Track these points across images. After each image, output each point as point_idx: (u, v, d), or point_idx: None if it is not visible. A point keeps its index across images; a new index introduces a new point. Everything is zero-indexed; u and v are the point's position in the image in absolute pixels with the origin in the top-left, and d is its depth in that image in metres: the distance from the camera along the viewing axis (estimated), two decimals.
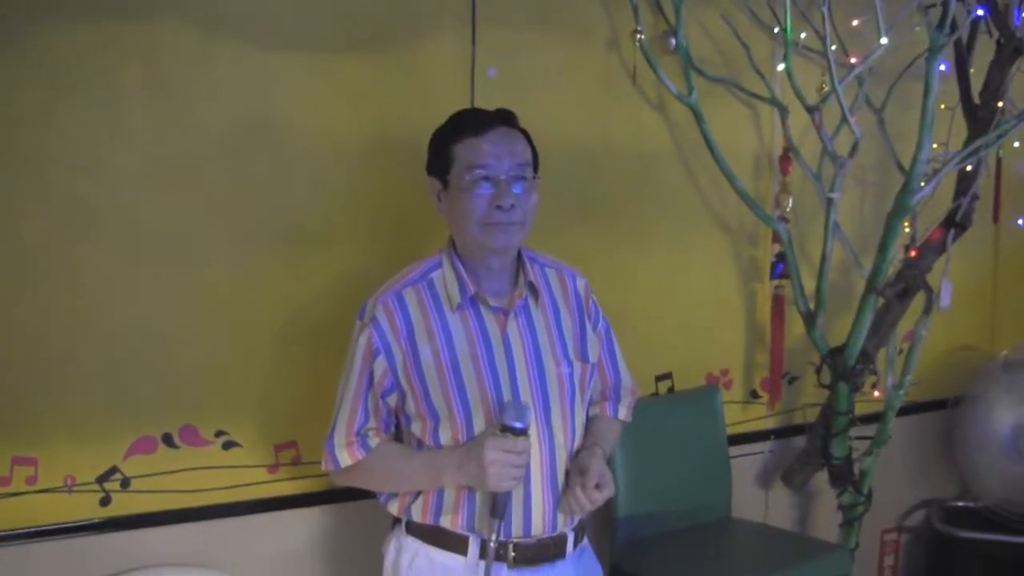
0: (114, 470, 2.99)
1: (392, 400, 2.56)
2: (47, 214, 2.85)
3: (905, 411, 4.55)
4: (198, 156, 3.02)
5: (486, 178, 2.47)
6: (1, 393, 2.84)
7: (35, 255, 2.84)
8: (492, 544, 2.42)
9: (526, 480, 2.48)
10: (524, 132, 2.60)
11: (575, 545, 2.63)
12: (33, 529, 2.89)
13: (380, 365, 2.51)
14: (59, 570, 2.92)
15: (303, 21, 3.13)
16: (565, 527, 2.58)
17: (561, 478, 2.55)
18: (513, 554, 2.51)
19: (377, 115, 3.25)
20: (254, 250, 3.11)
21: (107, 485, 2.99)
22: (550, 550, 2.56)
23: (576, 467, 2.54)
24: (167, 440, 3.05)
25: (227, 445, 3.13)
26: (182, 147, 2.99)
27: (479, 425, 2.48)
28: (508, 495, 2.42)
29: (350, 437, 2.54)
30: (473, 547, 2.51)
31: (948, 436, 4.75)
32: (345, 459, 2.54)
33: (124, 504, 3.01)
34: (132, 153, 2.94)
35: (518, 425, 2.39)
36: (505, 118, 2.57)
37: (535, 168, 2.58)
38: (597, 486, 2.49)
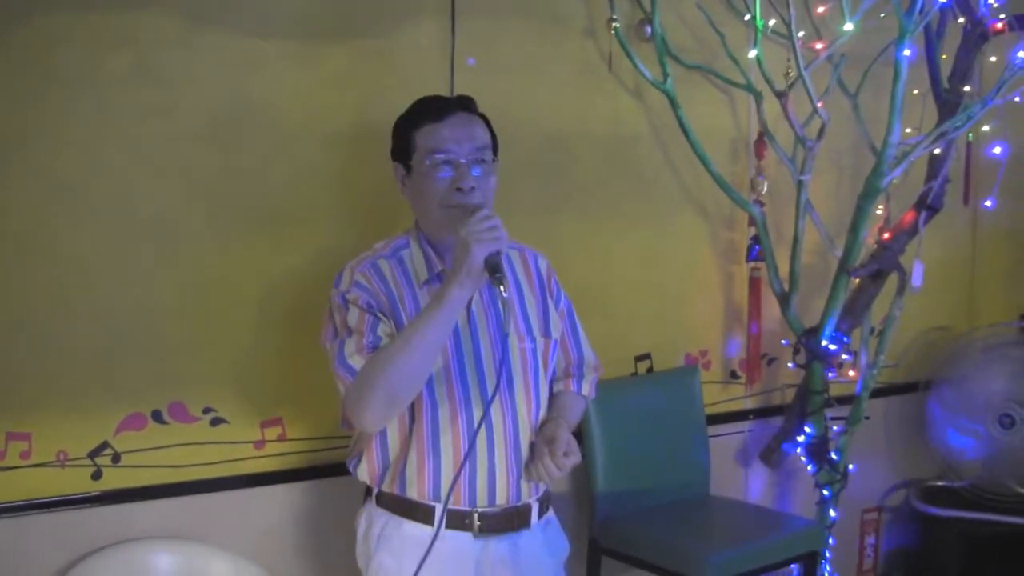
0: (105, 445, 3.08)
1: None
2: (37, 199, 2.93)
3: (886, 392, 4.67)
4: (182, 140, 3.10)
5: (446, 162, 2.54)
6: None
7: (25, 239, 2.93)
8: (504, 293, 2.37)
9: (490, 450, 2.56)
10: (483, 117, 2.67)
11: (540, 515, 2.70)
12: (27, 502, 2.97)
13: (372, 312, 2.52)
14: (52, 542, 3.01)
15: (284, 9, 3.22)
16: (529, 497, 2.66)
17: (524, 448, 2.62)
18: (478, 523, 2.59)
19: (357, 102, 3.33)
20: (237, 231, 3.20)
21: (99, 460, 3.07)
22: (514, 519, 2.63)
23: (543, 437, 2.61)
24: (156, 416, 3.14)
25: (215, 422, 3.22)
26: (167, 132, 3.08)
27: (442, 398, 2.54)
28: (497, 256, 2.37)
29: (360, 344, 2.48)
30: (438, 516, 2.54)
31: (926, 417, 4.83)
32: (358, 361, 2.45)
33: (115, 478, 3.09)
34: (119, 138, 3.02)
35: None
36: (464, 104, 2.64)
37: (494, 152, 2.65)
38: (565, 454, 2.54)
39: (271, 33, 3.19)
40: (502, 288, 2.34)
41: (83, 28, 2.95)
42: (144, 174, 3.07)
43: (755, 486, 4.41)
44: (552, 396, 2.80)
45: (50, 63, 2.92)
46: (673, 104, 3.76)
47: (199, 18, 3.09)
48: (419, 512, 2.60)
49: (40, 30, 2.89)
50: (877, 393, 4.54)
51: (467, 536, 2.59)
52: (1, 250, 2.91)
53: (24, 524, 2.97)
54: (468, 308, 2.60)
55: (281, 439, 3.32)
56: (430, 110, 2.61)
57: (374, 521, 2.67)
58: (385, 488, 2.63)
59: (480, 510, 2.59)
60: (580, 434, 3.70)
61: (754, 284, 4.19)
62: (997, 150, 4.09)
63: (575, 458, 2.57)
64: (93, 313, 3.03)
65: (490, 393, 2.54)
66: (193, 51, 3.10)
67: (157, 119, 3.07)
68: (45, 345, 2.98)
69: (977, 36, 3.86)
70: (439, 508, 2.56)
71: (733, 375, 4.33)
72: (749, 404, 4.38)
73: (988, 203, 4.34)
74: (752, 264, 4.16)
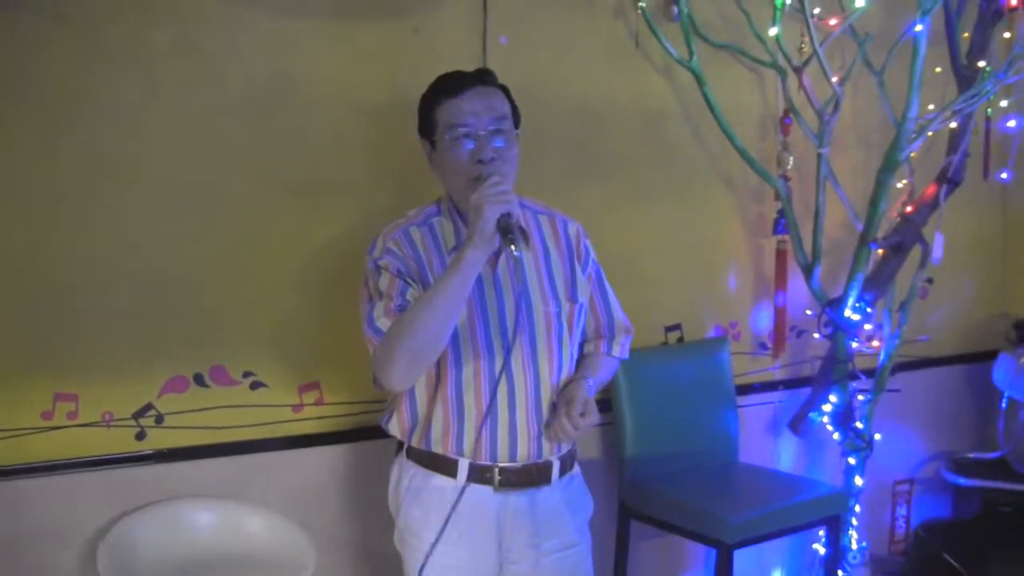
0: (149, 407, 3.20)
1: None
2: (85, 166, 3.05)
3: (921, 365, 4.71)
4: (223, 112, 3.22)
5: (467, 136, 2.63)
6: (44, 333, 3.05)
7: (74, 204, 3.05)
8: (515, 252, 2.45)
9: (511, 408, 2.66)
10: (503, 88, 2.74)
11: (562, 473, 2.80)
12: (74, 460, 3.10)
13: (402, 277, 2.64)
14: (98, 499, 3.14)
15: None
16: (551, 455, 2.75)
17: (546, 408, 2.71)
18: (499, 478, 2.70)
19: (391, 78, 3.42)
20: (275, 200, 3.30)
21: (143, 421, 3.19)
22: (535, 475, 2.73)
23: (563, 397, 2.70)
24: (198, 380, 3.26)
25: (254, 385, 3.33)
26: (208, 104, 3.19)
27: (466, 357, 2.65)
28: (508, 218, 2.45)
29: (389, 306, 2.58)
30: (462, 470, 2.69)
31: (963, 390, 4.91)
32: (385, 323, 2.56)
33: (158, 439, 3.22)
34: (163, 110, 3.14)
35: None
36: (482, 77, 2.71)
37: (516, 123, 2.73)
38: (582, 414, 2.63)
39: (307, 10, 3.29)
40: (513, 248, 2.42)
41: (129, 6, 3.07)
42: (186, 145, 3.18)
43: (784, 456, 4.46)
44: (581, 357, 2.89)
45: (99, 40, 3.04)
46: (699, 81, 3.83)
47: None
48: (444, 466, 2.71)
49: (87, 9, 3.01)
50: (913, 366, 4.61)
51: (488, 490, 2.69)
52: (52, 217, 3.03)
53: (71, 482, 3.10)
54: (494, 270, 2.69)
55: (319, 403, 3.43)
56: (448, 86, 2.69)
57: (404, 473, 2.79)
58: (414, 443, 2.74)
59: (501, 465, 2.69)
60: (610, 401, 3.83)
61: (780, 256, 4.24)
62: (1011, 123, 4.13)
63: (592, 418, 2.65)
64: (138, 278, 3.15)
65: (509, 342, 2.63)
66: (233, 28, 3.20)
67: (199, 92, 3.18)
68: (92, 309, 3.10)
69: (992, 13, 3.91)
70: (463, 463, 2.68)
71: (763, 346, 4.38)
72: (779, 375, 4.44)
73: (1004, 175, 4.38)
74: (778, 237, 4.21)
